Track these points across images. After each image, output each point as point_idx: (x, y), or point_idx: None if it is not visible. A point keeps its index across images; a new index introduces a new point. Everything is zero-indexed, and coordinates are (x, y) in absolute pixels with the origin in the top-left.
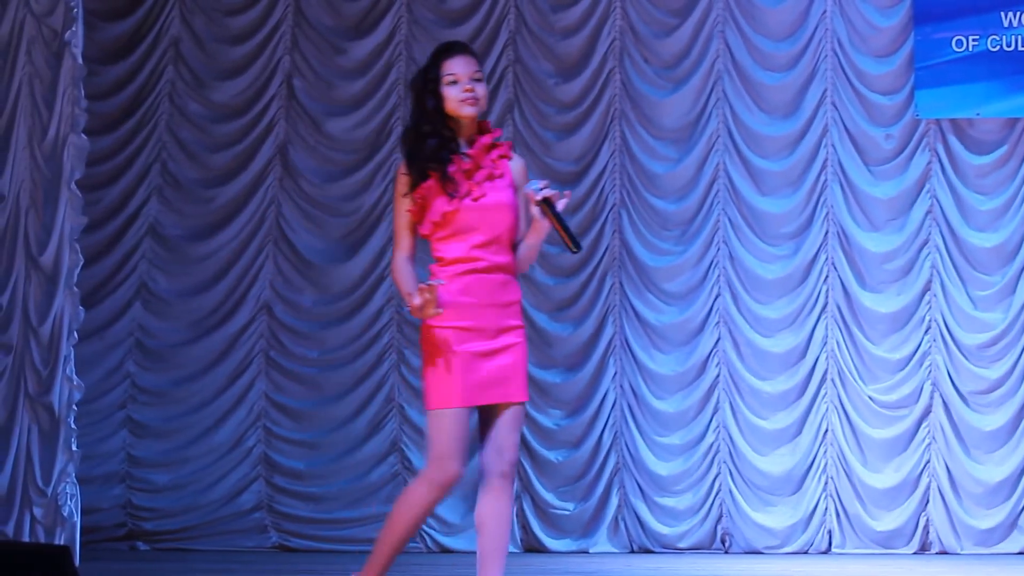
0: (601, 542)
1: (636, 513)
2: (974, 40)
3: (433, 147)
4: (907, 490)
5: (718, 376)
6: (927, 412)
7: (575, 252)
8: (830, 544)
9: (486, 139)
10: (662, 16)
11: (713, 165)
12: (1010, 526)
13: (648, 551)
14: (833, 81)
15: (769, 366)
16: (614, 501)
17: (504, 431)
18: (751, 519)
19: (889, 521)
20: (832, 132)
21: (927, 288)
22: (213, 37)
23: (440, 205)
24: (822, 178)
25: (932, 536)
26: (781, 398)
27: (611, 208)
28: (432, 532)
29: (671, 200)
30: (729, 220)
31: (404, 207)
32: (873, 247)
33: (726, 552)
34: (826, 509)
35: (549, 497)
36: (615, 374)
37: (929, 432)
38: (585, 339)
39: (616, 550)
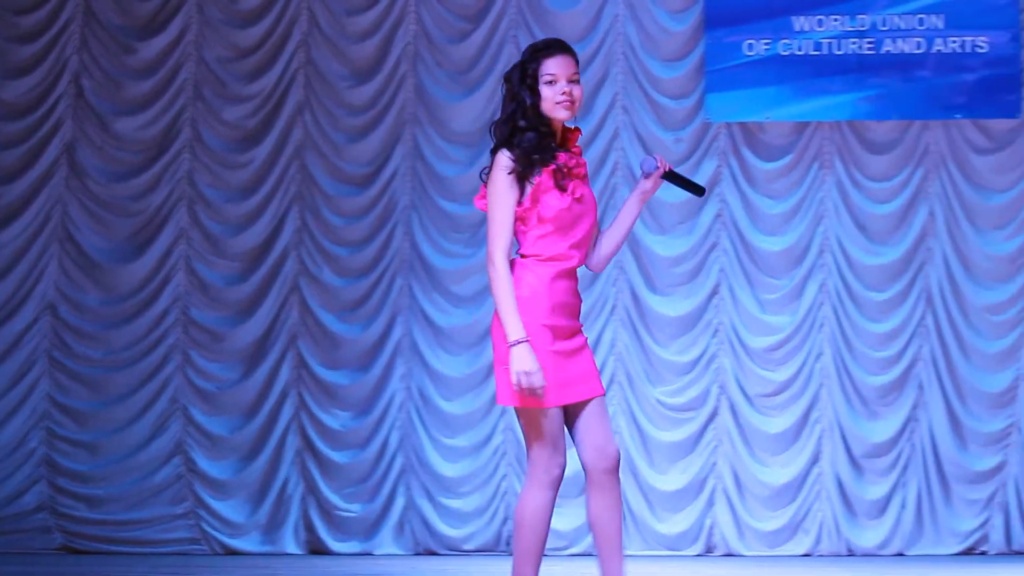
0: (386, 544)
1: (422, 515)
2: (765, 44)
3: (533, 140)
4: (693, 492)
5: None
6: (714, 415)
7: (703, 195)
8: None
9: (575, 136)
10: (456, 21)
11: None
12: (794, 528)
13: (433, 553)
14: (624, 85)
15: None
16: (400, 503)
17: (599, 428)
18: None
19: (675, 523)
20: (622, 135)
21: (715, 291)
22: (1, 36)
23: (551, 200)
24: (612, 181)
25: (717, 538)
26: None
27: (401, 210)
28: (216, 534)
29: (461, 203)
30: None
31: (511, 201)
32: (662, 250)
33: (511, 554)
34: None
35: (335, 499)
36: (403, 376)
37: (716, 435)
38: (373, 340)
39: (401, 552)
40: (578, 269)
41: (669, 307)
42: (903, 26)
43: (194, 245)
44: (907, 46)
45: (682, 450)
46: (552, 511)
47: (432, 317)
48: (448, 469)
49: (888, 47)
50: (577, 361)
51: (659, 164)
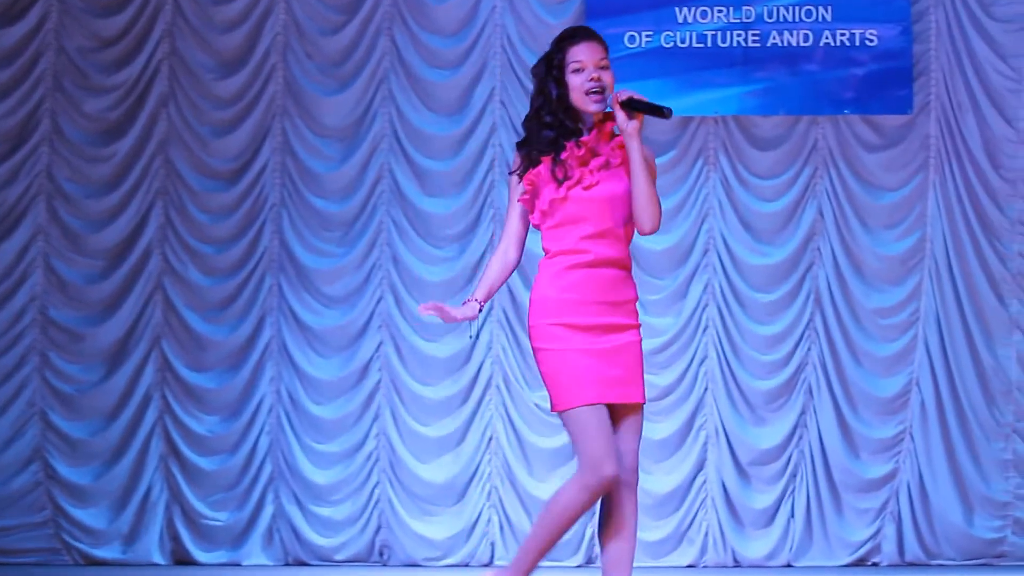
0: (254, 554)
1: (291, 524)
2: (648, 36)
3: (551, 138)
4: None
5: (379, 381)
6: None
7: (669, 116)
8: (493, 556)
9: (609, 125)
10: (328, 12)
11: (377, 165)
12: (679, 538)
13: (303, 563)
14: (502, 79)
15: (432, 371)
16: (268, 511)
17: (624, 436)
18: (411, 530)
19: None
20: (500, 131)
21: None
22: None
23: (548, 192)
24: (489, 178)
25: (598, 549)
26: (444, 404)
27: (271, 208)
28: (77, 543)
29: (334, 200)
30: (393, 221)
31: (516, 194)
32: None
33: (384, 564)
34: (489, 520)
35: (200, 507)
36: (272, 378)
37: None
38: (241, 342)
39: (270, 562)
40: (621, 260)
41: None
42: (790, 18)
43: (52, 242)
44: (794, 39)
45: (560, 457)
46: (579, 515)
47: (303, 318)
48: (319, 476)
49: (775, 39)
50: (606, 363)
51: (614, 96)
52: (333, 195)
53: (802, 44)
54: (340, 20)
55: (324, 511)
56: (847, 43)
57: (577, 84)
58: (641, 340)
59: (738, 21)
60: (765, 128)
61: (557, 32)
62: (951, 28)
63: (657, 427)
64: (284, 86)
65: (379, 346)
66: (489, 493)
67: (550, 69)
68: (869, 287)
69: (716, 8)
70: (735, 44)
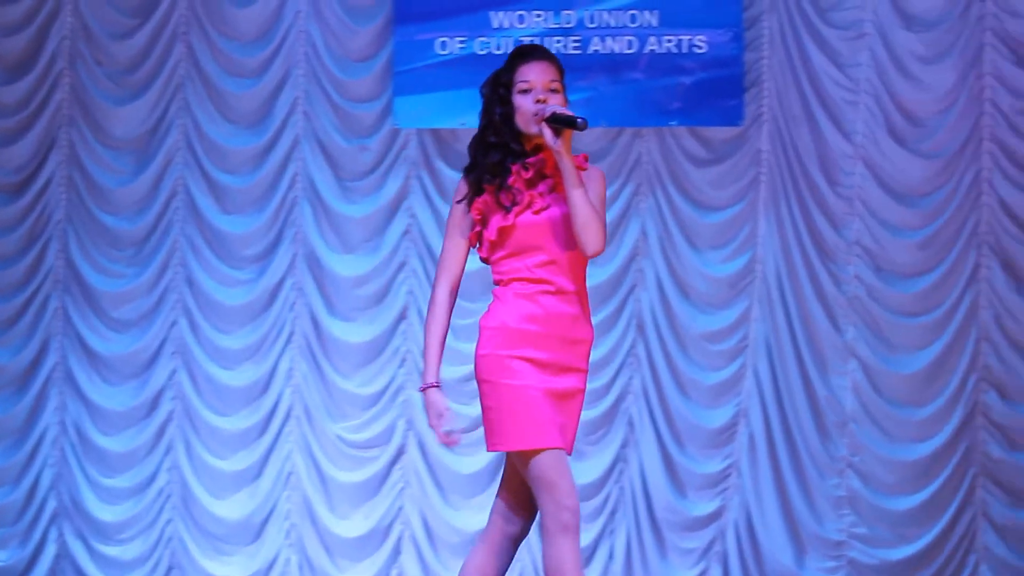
0: None
1: (76, 564)
2: (460, 43)
3: (496, 161)
4: (377, 539)
5: (172, 411)
6: (400, 453)
7: (584, 128)
8: None
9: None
10: (119, 16)
11: (172, 180)
12: None
13: None
14: (306, 88)
15: (229, 401)
16: (52, 550)
17: None
18: (204, 570)
19: (357, 573)
20: (303, 145)
21: (403, 316)
22: None
23: (496, 221)
24: (291, 195)
25: None
26: (241, 437)
27: (56, 224)
28: None
29: (124, 217)
30: (188, 240)
31: (457, 231)
32: (345, 271)
33: None
34: (288, 560)
35: None
36: (57, 407)
37: (403, 475)
38: (23, 367)
39: None
40: (579, 293)
41: (352, 333)
42: (613, 23)
43: None
44: (617, 45)
45: (365, 492)
46: (577, 556)
47: (90, 343)
48: (106, 512)
49: (596, 46)
50: (564, 407)
51: (538, 114)
52: (123, 211)
53: (626, 51)
54: (132, 24)
55: (111, 550)
56: (674, 50)
57: (522, 105)
58: (584, 389)
59: (557, 27)
60: (585, 141)
61: (364, 39)
62: (785, 35)
63: (467, 460)
64: (71, 93)
65: (172, 374)
66: (288, 532)
67: (496, 88)
68: (696, 311)
69: (534, 13)
70: (554, 51)
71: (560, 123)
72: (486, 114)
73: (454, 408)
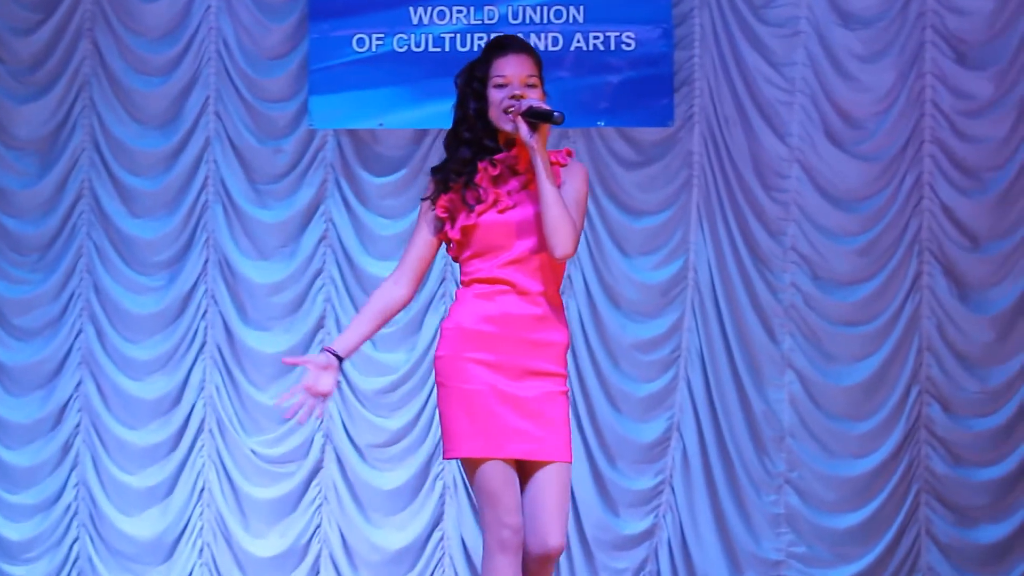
0: None
1: None
2: (379, 39)
3: (466, 157)
4: (295, 558)
5: (79, 425)
6: (318, 468)
7: (560, 122)
8: None
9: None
10: (21, 10)
11: (77, 182)
12: None
13: None
14: (217, 87)
15: (138, 414)
16: None
17: (544, 506)
18: None
19: None
20: (215, 146)
21: (320, 325)
22: None
23: (461, 219)
24: (202, 199)
25: None
26: (151, 451)
27: None
28: None
29: (27, 221)
30: (95, 245)
31: (420, 230)
32: (259, 278)
33: None
34: None
35: None
36: None
37: (320, 491)
38: None
39: None
40: (547, 295)
41: (267, 343)
42: (537, 19)
43: None
44: (542, 42)
45: (281, 509)
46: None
47: None
48: (11, 531)
49: None
50: (521, 412)
51: (514, 108)
52: (27, 214)
53: (551, 48)
54: (35, 19)
55: (17, 570)
56: (601, 47)
57: (496, 100)
58: (567, 392)
59: (480, 23)
60: None
61: (279, 36)
62: (717, 32)
63: (388, 476)
64: None
65: (78, 385)
66: (201, 550)
67: (471, 81)
68: (626, 319)
69: (455, 8)
70: (476, 48)
71: (536, 117)
72: (460, 108)
73: (373, 420)
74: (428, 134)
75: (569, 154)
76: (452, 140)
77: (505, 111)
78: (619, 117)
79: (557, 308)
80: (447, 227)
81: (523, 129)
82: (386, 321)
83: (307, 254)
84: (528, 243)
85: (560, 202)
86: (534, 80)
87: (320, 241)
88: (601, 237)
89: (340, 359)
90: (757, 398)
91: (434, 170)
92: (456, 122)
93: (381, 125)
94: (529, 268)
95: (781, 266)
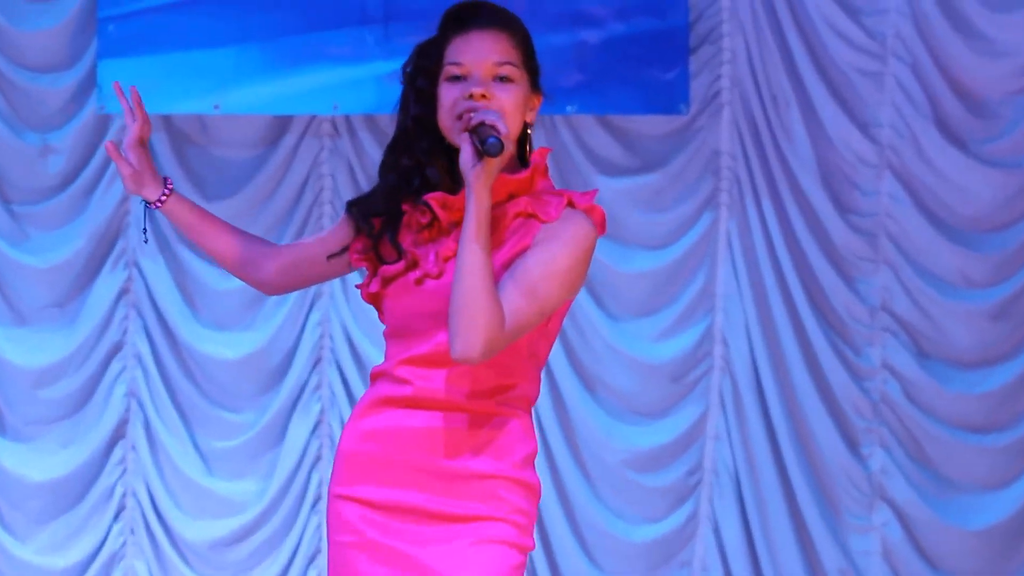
0: None
1: None
2: None
3: (390, 191)
4: None
5: None
6: None
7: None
8: None
9: (504, 179)
10: None
11: None
12: None
13: None
14: None
15: None
16: None
17: None
18: None
19: None
20: None
21: (119, 436)
22: None
23: (371, 279)
24: None
25: None
26: None
27: None
28: None
29: None
30: None
31: (336, 225)
32: (20, 359)
33: None
34: None
35: None
36: None
37: None
38: None
39: None
40: (476, 401)
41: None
42: None
43: None
44: None
45: None
46: None
47: None
48: None
49: None
50: (405, 567)
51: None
52: None
53: None
54: None
55: None
56: None
57: (447, 102)
58: (507, 546)
59: None
60: None
61: (50, 40)
62: None
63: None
64: None
65: None
66: None
67: (417, 72)
68: (614, 421)
69: None
70: None
71: (479, 142)
72: (401, 112)
73: None
74: (296, 123)
75: (579, 205)
76: (386, 160)
77: (458, 117)
78: (600, 98)
79: (500, 423)
80: (365, 278)
81: (464, 152)
82: (223, 248)
83: (97, 321)
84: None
85: (479, 271)
86: (507, 70)
87: (120, 297)
88: None
89: (168, 191)
90: (831, 549)
91: (350, 204)
92: (395, 135)
93: (217, 108)
94: (451, 365)
95: (866, 336)
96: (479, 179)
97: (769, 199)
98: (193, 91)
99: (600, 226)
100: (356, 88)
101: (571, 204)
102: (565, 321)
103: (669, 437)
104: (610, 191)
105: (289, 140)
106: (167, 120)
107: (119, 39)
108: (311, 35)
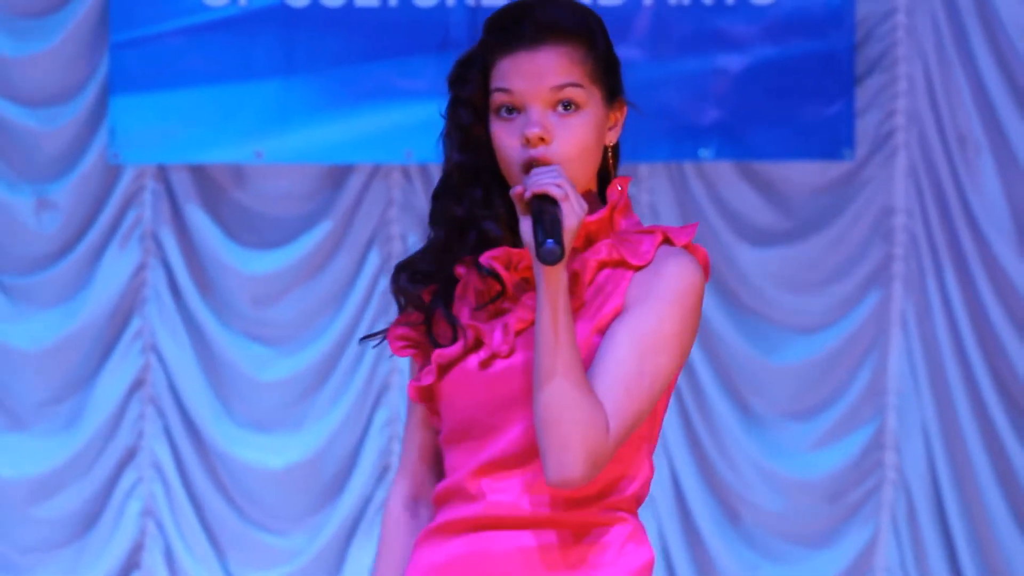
0: None
1: None
2: None
3: (440, 250)
4: None
5: None
6: None
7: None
8: None
9: (588, 229)
10: None
11: None
12: None
13: None
14: None
15: None
16: None
17: None
18: None
19: None
20: None
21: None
22: None
23: (421, 369)
24: None
25: None
26: None
27: None
28: None
29: None
30: None
31: (413, 383)
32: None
33: None
34: None
35: None
36: None
37: None
38: None
39: None
40: (565, 513)
41: None
42: None
43: None
44: None
45: None
46: None
47: None
48: None
49: None
50: None
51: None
52: None
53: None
54: None
55: None
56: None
57: (504, 148)
58: None
59: None
60: None
61: (44, 64)
62: None
63: None
64: None
65: None
66: None
67: (457, 104)
68: (752, 552)
69: None
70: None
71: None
72: (445, 151)
73: None
74: (358, 174)
75: (678, 242)
76: (434, 211)
77: (524, 170)
78: (742, 141)
79: (600, 532)
80: (414, 370)
81: (523, 224)
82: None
83: (104, 420)
84: (519, 423)
85: (564, 371)
86: (571, 93)
87: (133, 390)
88: (700, 378)
89: None
90: None
91: (398, 270)
92: (441, 179)
93: (260, 156)
94: (530, 470)
95: None
96: (548, 278)
97: (953, 269)
98: (230, 135)
99: (705, 269)
100: (434, 131)
101: (667, 241)
102: (697, 429)
103: (829, 573)
104: (752, 260)
105: (348, 195)
106: (198, 171)
107: (136, 69)
108: (377, 64)
